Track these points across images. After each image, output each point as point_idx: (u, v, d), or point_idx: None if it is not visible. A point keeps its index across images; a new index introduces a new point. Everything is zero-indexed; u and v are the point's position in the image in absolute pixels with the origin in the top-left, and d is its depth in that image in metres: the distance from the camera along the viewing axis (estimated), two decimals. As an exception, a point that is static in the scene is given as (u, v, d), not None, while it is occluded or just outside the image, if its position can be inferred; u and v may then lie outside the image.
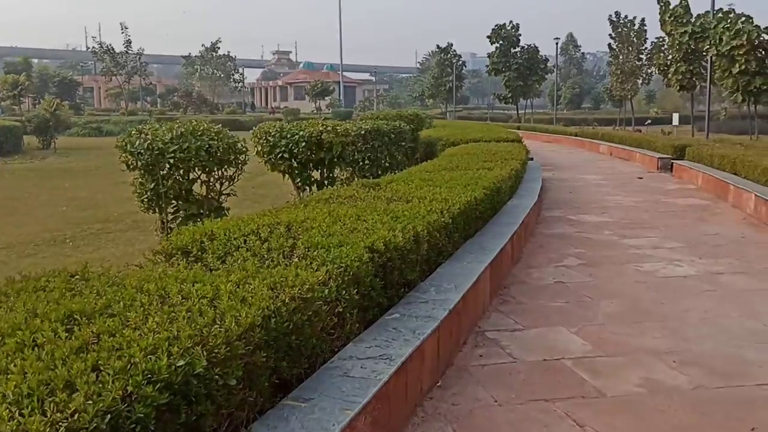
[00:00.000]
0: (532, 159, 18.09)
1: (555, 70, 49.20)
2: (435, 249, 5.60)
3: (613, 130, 38.15)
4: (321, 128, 9.68)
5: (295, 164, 9.72)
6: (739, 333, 5.33)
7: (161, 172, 6.94)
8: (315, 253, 4.21)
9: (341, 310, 3.78)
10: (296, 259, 4.15)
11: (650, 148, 20.28)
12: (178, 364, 2.47)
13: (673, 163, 17.29)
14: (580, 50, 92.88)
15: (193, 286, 3.38)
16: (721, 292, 6.55)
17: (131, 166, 7.19)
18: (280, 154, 9.53)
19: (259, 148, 9.67)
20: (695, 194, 13.56)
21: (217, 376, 2.62)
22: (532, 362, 4.72)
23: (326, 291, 3.66)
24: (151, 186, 7.06)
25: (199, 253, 4.46)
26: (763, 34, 23.78)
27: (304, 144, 9.46)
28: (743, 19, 24.15)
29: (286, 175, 10.06)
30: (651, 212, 11.33)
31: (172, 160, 6.79)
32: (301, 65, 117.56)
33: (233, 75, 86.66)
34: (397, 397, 3.63)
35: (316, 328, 3.51)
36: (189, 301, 3.13)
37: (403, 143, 13.48)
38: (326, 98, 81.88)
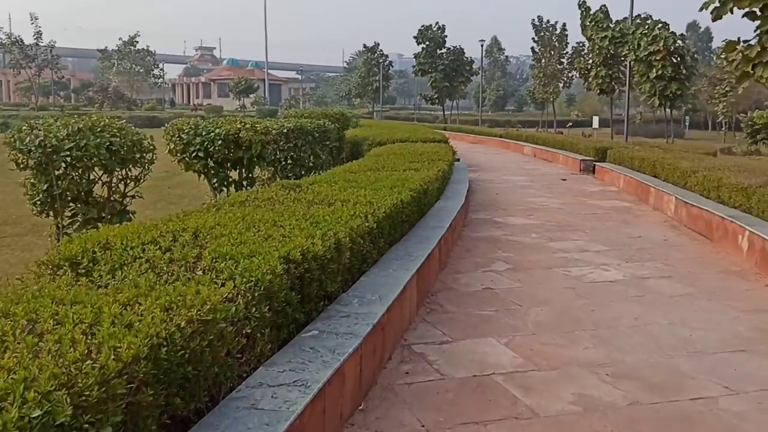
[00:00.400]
0: (458, 160, 18.01)
1: (480, 71, 49.81)
2: (358, 256, 5.23)
3: (536, 132, 38.88)
4: (239, 126, 9.13)
5: (211, 164, 9.15)
6: (670, 341, 5.18)
7: (56, 172, 6.27)
8: (222, 264, 3.76)
9: (251, 330, 3.35)
10: (200, 273, 3.68)
11: (573, 150, 20.58)
12: (33, 415, 1.99)
13: (595, 165, 17.54)
14: (504, 53, 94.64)
15: (71, 308, 2.87)
16: (649, 297, 6.44)
17: (21, 165, 6.46)
18: (194, 153, 8.93)
19: (172, 146, 9.04)
20: (618, 196, 13.72)
21: (87, 425, 2.15)
22: (461, 379, 4.41)
23: (233, 310, 3.22)
24: (44, 187, 6.37)
25: (91, 264, 3.93)
26: (678, 41, 24.67)
27: (220, 142, 8.89)
28: (660, 25, 24.99)
29: (202, 176, 9.46)
30: (576, 214, 11.32)
31: (68, 159, 6.14)
32: (225, 62, 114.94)
33: (153, 70, 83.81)
34: (313, 429, 3.22)
35: (219, 354, 3.07)
36: (62, 329, 2.63)
37: (328, 142, 13.05)
38: (251, 96, 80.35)
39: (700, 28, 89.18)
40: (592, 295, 6.46)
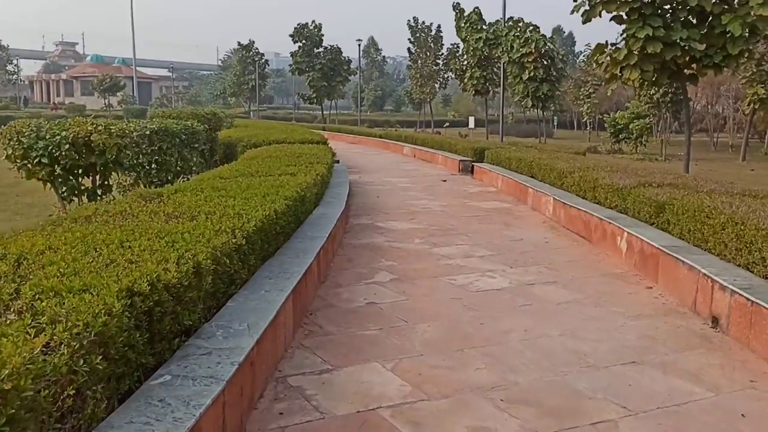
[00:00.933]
0: (338, 162, 17.52)
1: (358, 71, 49.66)
2: (224, 279, 4.57)
3: (415, 132, 39.18)
4: (90, 128, 8.12)
5: (59, 171, 8.07)
6: (563, 356, 4.91)
7: None
8: (45, 304, 3.01)
9: (75, 390, 2.64)
10: (12, 317, 2.93)
11: (451, 151, 20.67)
12: None
13: (473, 165, 17.63)
14: (381, 53, 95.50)
15: None
16: (537, 305, 6.21)
17: None
18: (37, 159, 7.83)
19: (10, 152, 7.89)
20: (497, 197, 13.74)
21: None
22: (343, 417, 3.89)
23: (50, 367, 2.51)
24: None
25: None
26: (548, 44, 25.50)
27: (68, 146, 7.84)
28: (531, 28, 25.74)
29: (48, 184, 8.35)
30: (458, 217, 11.13)
31: None
32: (89, 58, 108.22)
33: (6, 66, 77.35)
34: None
35: (29, 427, 2.36)
36: None
37: (197, 145, 12.16)
38: (118, 94, 76.04)
39: (565, 32, 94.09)
40: (479, 306, 6.14)
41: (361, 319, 5.72)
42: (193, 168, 12.30)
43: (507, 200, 13.25)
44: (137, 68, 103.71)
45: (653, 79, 12.81)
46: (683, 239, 7.07)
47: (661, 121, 34.51)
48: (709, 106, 38.44)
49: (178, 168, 11.47)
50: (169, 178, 11.75)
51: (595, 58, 13.39)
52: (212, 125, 17.56)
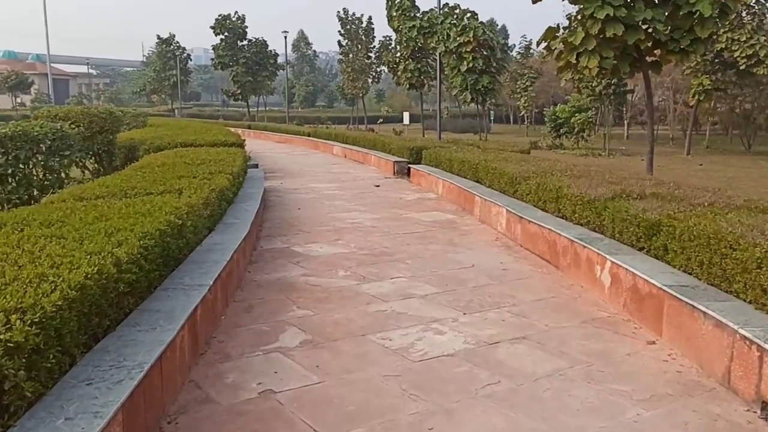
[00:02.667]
0: (256, 166, 15.40)
1: (285, 65, 47.17)
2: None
3: (347, 129, 37.18)
4: None
5: None
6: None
7: None
8: None
9: None
10: None
11: (385, 150, 18.77)
12: None
13: (410, 167, 15.76)
14: (312, 48, 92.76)
15: None
16: (506, 384, 4.34)
17: None
18: None
19: None
20: (438, 206, 11.90)
21: None
22: None
23: None
24: None
25: None
26: (487, 32, 23.84)
27: None
28: (469, 15, 23.98)
29: None
30: (393, 235, 9.21)
31: None
32: (0, 54, 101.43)
33: None
34: None
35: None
36: None
37: (68, 152, 9.80)
38: (32, 92, 71.06)
39: (498, 24, 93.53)
40: (426, 390, 4.22)
41: (248, 430, 3.71)
42: (66, 181, 9.96)
43: (450, 210, 11.42)
44: (54, 64, 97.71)
45: (613, 66, 11.23)
46: (692, 274, 5.32)
47: (600, 114, 33.52)
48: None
49: (45, 182, 9.14)
50: (34, 193, 9.42)
51: (549, 43, 11.71)
52: (109, 126, 15.13)
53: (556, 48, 11.62)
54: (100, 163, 15.80)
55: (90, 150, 15.09)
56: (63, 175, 9.77)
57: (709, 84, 26.61)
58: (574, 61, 11.32)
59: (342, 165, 19.70)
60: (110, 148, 15.48)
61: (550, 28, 12.13)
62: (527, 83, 44.31)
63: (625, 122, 37.18)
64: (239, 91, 47.90)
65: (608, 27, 10.59)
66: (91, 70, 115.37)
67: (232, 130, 37.92)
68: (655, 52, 11.69)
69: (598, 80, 28.14)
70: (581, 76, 11.37)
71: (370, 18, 48.02)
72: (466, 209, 11.17)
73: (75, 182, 13.17)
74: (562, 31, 11.65)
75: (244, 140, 17.29)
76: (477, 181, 11.79)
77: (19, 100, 71.78)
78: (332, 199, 12.60)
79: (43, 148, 9.08)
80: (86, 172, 16.02)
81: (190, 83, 71.60)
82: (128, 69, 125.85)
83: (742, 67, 24.41)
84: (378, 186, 14.61)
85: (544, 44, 12.02)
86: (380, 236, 9.11)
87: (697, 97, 27.37)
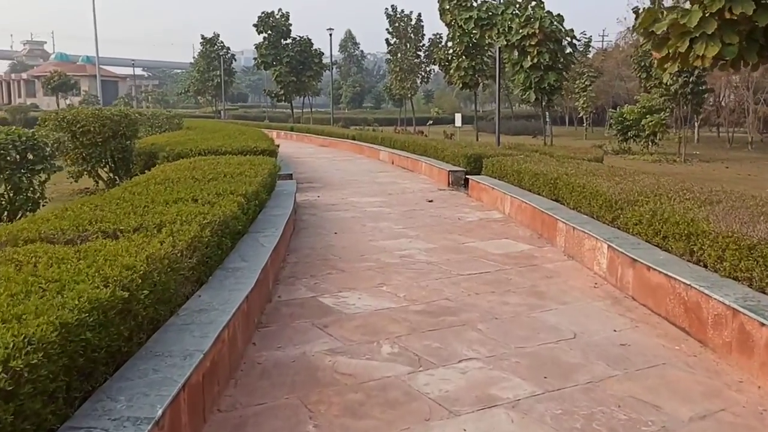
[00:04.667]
0: (290, 177, 13.38)
1: (330, 64, 45.22)
2: None
3: (395, 132, 35.04)
4: None
5: None
6: None
7: None
8: None
9: None
10: None
11: (438, 157, 16.51)
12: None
13: (468, 178, 13.48)
14: (359, 48, 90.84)
15: None
16: None
17: None
18: None
19: None
20: (507, 230, 9.59)
21: None
22: None
23: None
24: None
25: None
26: (555, 22, 21.29)
27: None
28: (534, 3, 21.44)
29: None
30: (455, 277, 6.97)
31: None
32: (53, 56, 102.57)
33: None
34: None
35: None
36: None
37: (41, 166, 7.85)
38: (81, 93, 71.06)
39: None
40: None
41: None
42: (43, 200, 8.01)
43: (523, 237, 9.10)
44: (104, 66, 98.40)
45: (735, 56, 8.74)
46: None
47: (673, 116, 30.48)
48: (723, 99, 34.74)
49: (11, 203, 7.19)
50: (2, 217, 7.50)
51: (644, 26, 9.28)
52: (122, 130, 13.29)
53: (658, 34, 9.20)
54: (116, 172, 14.00)
55: (102, 157, 13.28)
56: (37, 194, 7.83)
57: (806, 81, 23.54)
58: (683, 51, 8.86)
59: (389, 173, 17.51)
60: (126, 154, 13.65)
61: (649, 9, 9.69)
62: (586, 82, 41.38)
63: (696, 125, 34.03)
64: (282, 92, 46.11)
65: (734, 5, 8.14)
66: (142, 72, 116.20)
67: (274, 133, 36.22)
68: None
69: (674, 78, 25.30)
70: (702, 65, 8.80)
71: (419, 15, 45.81)
72: (545, 237, 8.84)
73: (78, 195, 11.33)
74: (664, 12, 9.20)
75: (278, 146, 15.32)
76: (556, 200, 9.46)
77: (68, 101, 71.85)
78: (376, 219, 10.41)
79: (10, 161, 7.14)
80: (100, 182, 14.25)
81: (236, 84, 70.40)
82: (178, 71, 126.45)
83: None
84: (431, 201, 12.37)
85: (640, 28, 9.60)
86: (438, 278, 6.88)
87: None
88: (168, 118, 23.67)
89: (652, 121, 25.93)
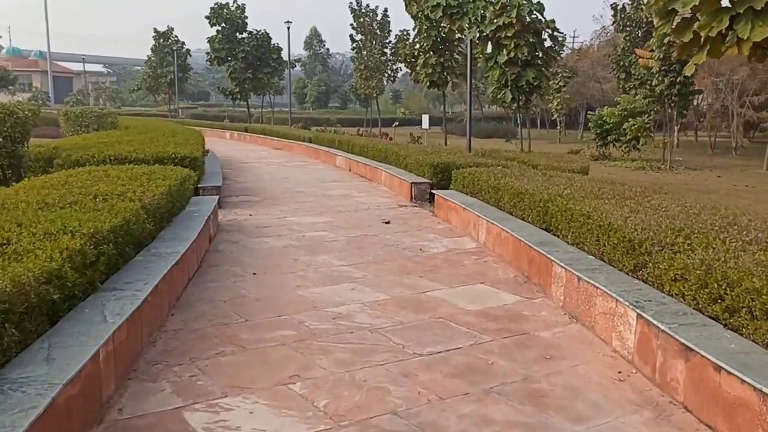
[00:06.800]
0: (217, 189, 10.98)
1: (289, 60, 42.50)
2: None
3: (358, 134, 32.67)
4: None
5: None
6: None
7: None
8: None
9: None
10: None
11: (400, 165, 14.19)
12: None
13: (433, 193, 11.19)
14: (324, 45, 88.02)
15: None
16: None
17: None
18: None
19: None
20: (484, 269, 7.30)
21: None
22: None
23: None
24: None
25: None
26: (534, 12, 19.10)
27: None
28: (510, -10, 19.16)
29: None
30: (409, 359, 4.66)
31: None
32: (4, 51, 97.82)
33: None
34: None
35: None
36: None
37: None
38: (30, 89, 67.27)
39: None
40: None
41: None
42: None
43: (506, 280, 6.81)
44: (59, 62, 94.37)
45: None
46: None
47: (656, 119, 28.55)
48: (704, 101, 33.08)
49: None
50: None
51: (663, 2, 7.08)
52: (7, 131, 10.72)
53: (682, 12, 6.99)
54: (4, 181, 11.40)
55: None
56: None
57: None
58: (714, 34, 6.71)
59: (343, 183, 15.13)
60: (14, 160, 11.08)
61: (667, -18, 7.49)
62: (560, 83, 39.48)
63: (676, 128, 32.31)
64: (238, 90, 43.21)
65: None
66: (101, 68, 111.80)
67: (227, 134, 33.56)
68: None
69: (660, 78, 23.35)
70: (742, 54, 6.58)
71: (385, 10, 43.52)
72: (535, 281, 6.56)
73: None
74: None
75: (207, 152, 12.90)
76: (547, 229, 7.21)
77: (17, 97, 67.99)
78: (315, 251, 8.03)
79: None
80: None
81: (198, 82, 66.99)
82: (138, 68, 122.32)
83: None
84: (388, 223, 10.04)
85: (657, 8, 7.40)
86: (384, 364, 4.55)
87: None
88: (99, 116, 20.96)
89: (634, 124, 23.96)
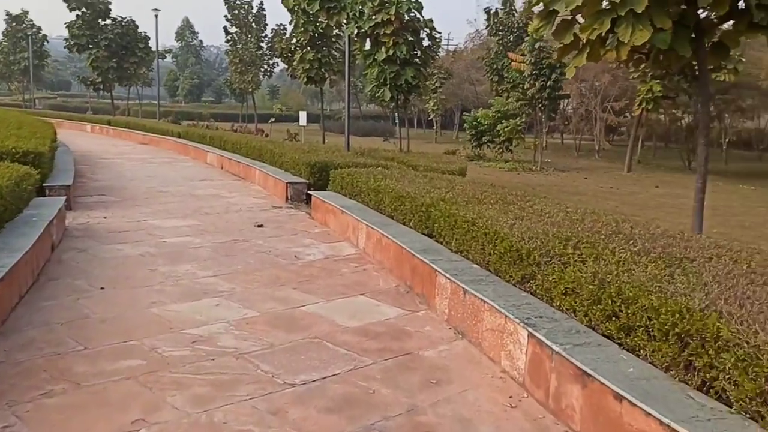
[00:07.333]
0: (66, 190, 9.81)
1: (157, 50, 40.07)
2: None
3: (230, 130, 31.38)
4: None
5: None
6: None
7: None
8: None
9: None
10: None
11: (276, 164, 13.48)
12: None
13: (311, 194, 10.60)
14: (197, 37, 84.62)
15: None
16: None
17: None
18: None
19: None
20: (364, 278, 6.80)
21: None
22: None
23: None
24: None
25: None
26: (414, 10, 18.88)
27: None
28: (389, -15, 18.85)
29: None
30: (279, 391, 4.07)
31: None
32: None
33: None
34: None
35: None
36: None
37: None
38: None
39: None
40: None
41: None
42: None
43: (386, 290, 6.35)
44: None
45: (667, 46, 6.62)
46: None
47: (528, 122, 29.44)
48: (570, 106, 34.59)
49: None
50: None
51: (544, 2, 6.87)
52: None
53: (562, 14, 6.81)
54: None
55: None
56: None
57: (660, 91, 23.04)
58: (594, 37, 6.59)
59: (214, 182, 14.18)
60: None
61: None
62: (437, 84, 40.00)
63: (544, 131, 33.60)
64: (100, 80, 40.32)
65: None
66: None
67: (88, 127, 31.13)
68: (718, 27, 7.25)
69: (532, 82, 24.00)
70: (619, 59, 6.47)
71: (261, 2, 42.20)
72: (417, 291, 6.15)
73: None
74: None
75: (56, 147, 11.56)
76: (430, 235, 6.83)
77: None
78: (176, 259, 7.21)
79: None
80: None
81: (48, 69, 61.86)
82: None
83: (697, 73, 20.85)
84: (261, 226, 9.33)
85: (538, 8, 7.19)
86: (248, 399, 3.92)
87: (644, 105, 23.80)
88: None
89: (507, 126, 24.54)
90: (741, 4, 6.51)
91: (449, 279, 5.42)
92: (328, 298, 6.01)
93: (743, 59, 20.11)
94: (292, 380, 4.20)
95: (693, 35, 6.77)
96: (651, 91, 23.14)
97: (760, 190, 22.22)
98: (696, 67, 7.95)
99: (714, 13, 6.70)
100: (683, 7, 6.66)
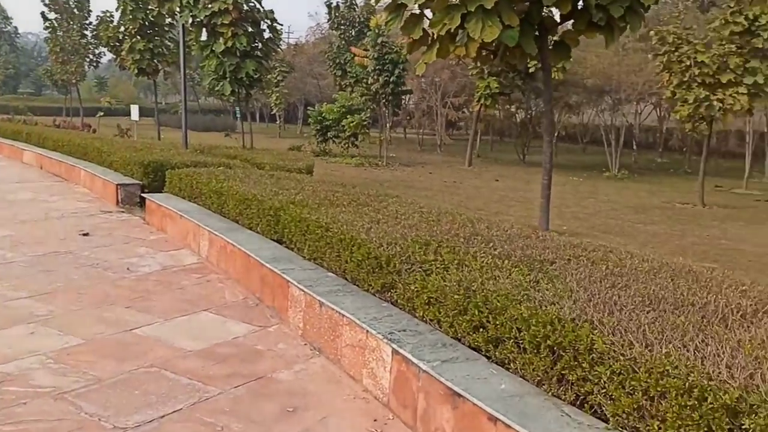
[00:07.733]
0: None
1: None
2: None
3: (52, 125, 28.68)
4: None
5: None
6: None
7: None
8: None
9: None
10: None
11: (104, 163, 12.27)
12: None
13: (145, 197, 9.68)
14: (11, 23, 76.87)
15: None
16: None
17: None
18: None
19: None
20: (207, 291, 6.19)
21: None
22: None
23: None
24: None
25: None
26: (253, 1, 18.00)
27: None
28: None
29: None
30: (111, 440, 3.44)
31: None
32: None
33: None
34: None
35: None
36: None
37: None
38: None
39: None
40: None
41: None
42: None
43: (233, 303, 5.80)
44: None
45: (514, 44, 6.59)
46: None
47: (375, 117, 29.54)
48: (412, 101, 35.27)
49: None
50: None
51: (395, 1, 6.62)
52: None
53: (411, 8, 6.60)
54: None
55: None
56: None
57: (497, 87, 24.01)
58: (444, 33, 6.43)
59: (32, 184, 12.67)
60: None
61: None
62: (279, 77, 39.17)
63: (388, 126, 34.04)
64: None
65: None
66: None
67: None
68: (557, 26, 7.39)
69: (375, 77, 24.00)
70: (468, 56, 6.35)
71: (85, -11, 39.00)
72: (267, 303, 5.67)
73: None
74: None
75: None
76: (280, 241, 6.36)
77: None
78: (-19, 280, 6.17)
79: None
80: None
81: None
82: None
83: (531, 70, 22.03)
84: (87, 234, 8.34)
85: (386, 1, 6.95)
86: (71, 455, 3.27)
87: (483, 101, 24.69)
88: None
89: (353, 121, 24.45)
90: (580, 4, 6.69)
91: (303, 290, 5.00)
92: (167, 317, 5.36)
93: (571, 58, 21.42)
94: (123, 423, 3.58)
95: (537, 33, 6.88)
96: (489, 88, 24.12)
97: (587, 182, 23.89)
98: (529, 66, 8.13)
99: (558, 12, 6.85)
100: (527, 4, 6.72)
